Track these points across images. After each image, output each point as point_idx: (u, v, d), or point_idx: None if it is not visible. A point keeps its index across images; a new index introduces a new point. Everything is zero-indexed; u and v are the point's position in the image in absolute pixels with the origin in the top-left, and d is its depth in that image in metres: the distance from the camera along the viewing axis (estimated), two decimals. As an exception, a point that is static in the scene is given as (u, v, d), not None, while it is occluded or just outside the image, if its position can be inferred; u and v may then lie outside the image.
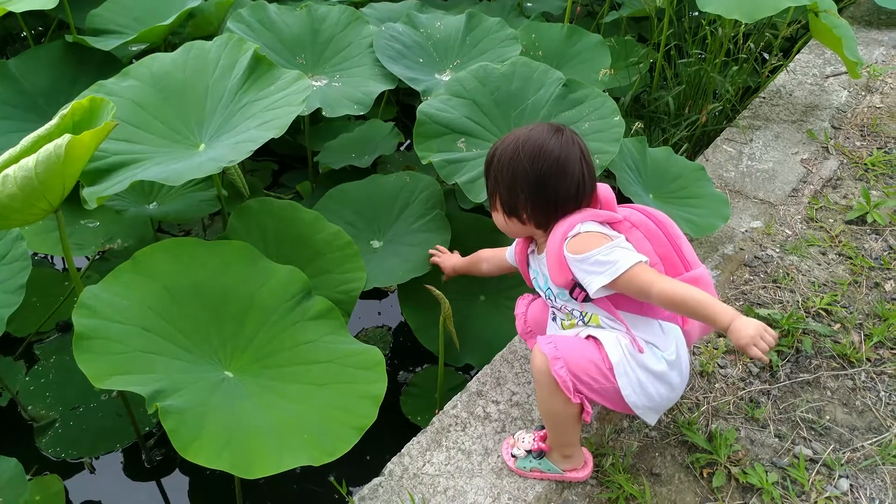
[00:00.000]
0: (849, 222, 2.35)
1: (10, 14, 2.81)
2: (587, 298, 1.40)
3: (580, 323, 1.46)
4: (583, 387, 1.36)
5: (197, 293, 1.71)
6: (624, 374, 1.37)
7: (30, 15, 3.20)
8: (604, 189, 1.47)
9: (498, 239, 2.35)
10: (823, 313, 2.00)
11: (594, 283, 1.34)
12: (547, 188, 1.40)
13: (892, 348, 1.88)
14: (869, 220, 2.34)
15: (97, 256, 2.33)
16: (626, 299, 1.40)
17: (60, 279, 2.49)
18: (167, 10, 2.72)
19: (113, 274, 1.65)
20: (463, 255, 2.04)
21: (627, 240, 1.41)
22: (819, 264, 2.19)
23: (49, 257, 2.71)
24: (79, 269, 2.33)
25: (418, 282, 2.07)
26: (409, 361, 2.39)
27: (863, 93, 3.14)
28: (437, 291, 1.76)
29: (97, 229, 2.24)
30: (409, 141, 3.20)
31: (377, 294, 2.65)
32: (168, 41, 2.86)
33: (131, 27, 2.71)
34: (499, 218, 1.49)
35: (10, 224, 1.66)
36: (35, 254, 2.62)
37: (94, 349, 1.48)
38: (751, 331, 1.23)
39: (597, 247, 1.34)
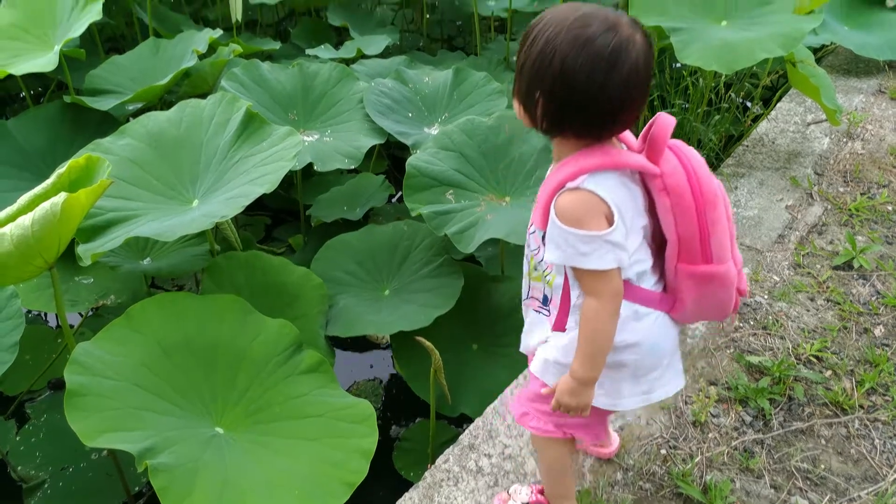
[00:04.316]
0: (836, 268, 2.38)
1: (9, 76, 2.88)
2: None
3: (545, 278, 1.30)
4: (561, 420, 1.34)
5: (189, 347, 1.72)
6: (557, 373, 1.28)
7: (29, 76, 3.27)
8: (663, 121, 1.16)
9: (496, 288, 2.38)
10: (814, 360, 2.01)
11: (550, 256, 1.18)
12: (573, 95, 1.09)
13: (884, 394, 1.89)
14: (855, 265, 2.37)
15: (90, 313, 2.34)
16: None
17: (53, 336, 2.49)
18: (163, 69, 2.79)
19: (106, 330, 1.66)
20: (460, 304, 2.05)
21: (648, 208, 1.19)
22: (808, 310, 2.21)
23: (42, 314, 2.71)
24: (72, 326, 2.34)
25: (413, 331, 2.08)
26: (402, 414, 2.38)
27: (844, 139, 3.21)
28: (427, 343, 1.77)
29: (91, 286, 2.26)
30: (399, 193, 3.24)
31: (368, 346, 2.65)
32: (164, 99, 2.92)
33: (128, 87, 2.78)
34: (515, 105, 1.21)
35: (5, 282, 1.68)
36: (28, 311, 2.62)
37: (86, 406, 1.48)
38: (565, 397, 1.22)
39: (581, 226, 1.13)
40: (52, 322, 2.68)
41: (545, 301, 1.31)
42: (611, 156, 1.14)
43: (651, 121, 1.17)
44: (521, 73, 1.15)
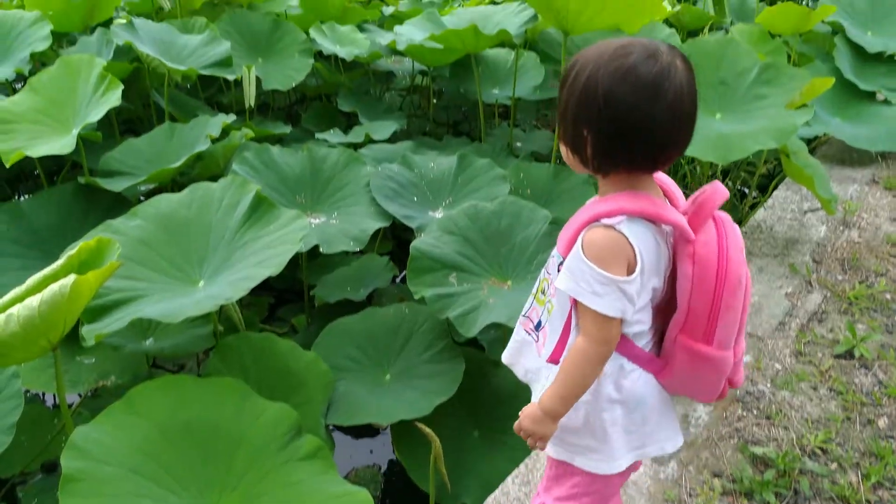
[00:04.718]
0: (837, 356, 2.38)
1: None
2: None
3: (546, 304, 1.29)
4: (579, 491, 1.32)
5: (188, 431, 1.71)
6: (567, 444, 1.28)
7: (45, 156, 3.38)
8: (716, 190, 1.16)
9: (497, 373, 2.36)
10: (819, 452, 1.98)
11: (561, 282, 1.16)
12: (620, 126, 1.08)
13: (890, 488, 1.85)
14: (857, 354, 2.36)
15: (89, 393, 2.33)
16: None
17: (49, 417, 2.46)
18: (177, 152, 2.88)
19: (105, 413, 1.65)
20: (461, 390, 2.04)
21: (667, 271, 1.18)
22: (811, 400, 2.19)
23: (40, 393, 2.69)
24: (70, 405, 2.32)
25: (413, 419, 2.06)
26: (402, 503, 2.33)
27: (841, 227, 3.26)
28: (427, 430, 1.76)
29: (92, 365, 2.26)
30: (404, 273, 3.28)
31: (369, 430, 2.62)
32: (176, 181, 3.00)
33: (142, 169, 2.86)
34: (562, 150, 1.21)
35: (6, 362, 1.69)
36: (27, 390, 2.61)
37: (82, 492, 1.47)
38: (526, 421, 1.22)
39: (603, 266, 1.11)
40: (49, 401, 2.66)
41: (538, 326, 1.31)
42: (655, 206, 1.12)
43: (704, 187, 1.17)
44: (566, 114, 1.14)
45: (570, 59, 1.16)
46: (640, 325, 1.22)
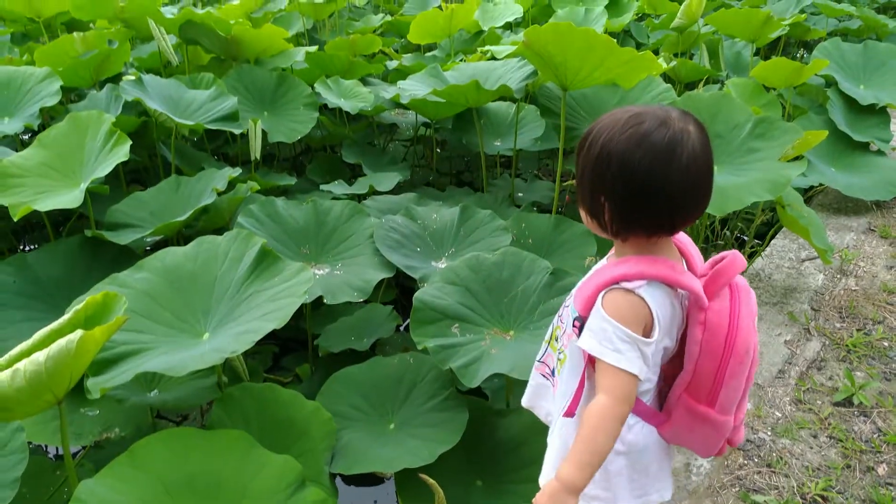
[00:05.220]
0: (836, 404, 2.39)
1: (35, 209, 3.03)
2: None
3: (559, 353, 1.33)
4: None
5: (191, 485, 1.71)
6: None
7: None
8: (734, 260, 1.20)
9: (501, 422, 2.37)
10: (820, 499, 1.98)
11: (584, 342, 1.19)
12: (637, 191, 1.12)
13: (894, 539, 1.85)
14: (855, 401, 2.38)
15: (92, 445, 2.33)
16: None
17: (52, 468, 2.46)
18: (183, 205, 2.94)
19: (109, 467, 1.66)
20: (465, 439, 2.03)
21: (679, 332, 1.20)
22: (811, 447, 2.19)
23: (43, 445, 2.69)
24: (73, 455, 2.32)
25: (416, 468, 2.06)
26: (404, 554, 2.31)
27: (838, 276, 3.30)
28: (431, 480, 1.76)
29: (96, 418, 2.26)
30: (407, 321, 3.30)
31: (373, 479, 2.61)
32: (182, 233, 3.05)
33: (148, 221, 2.91)
34: (582, 215, 1.25)
35: (12, 417, 1.71)
36: (30, 442, 2.61)
37: (84, 548, 1.47)
38: (543, 498, 1.20)
39: (624, 324, 1.14)
40: (52, 452, 2.66)
41: (553, 373, 1.34)
42: (673, 271, 1.16)
43: (724, 254, 1.21)
44: (583, 181, 1.18)
45: (585, 129, 1.21)
46: (648, 382, 1.25)
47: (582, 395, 1.26)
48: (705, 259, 1.30)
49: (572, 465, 1.18)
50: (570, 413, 1.28)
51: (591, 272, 1.27)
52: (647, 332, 1.17)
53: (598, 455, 1.18)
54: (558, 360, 1.32)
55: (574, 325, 1.25)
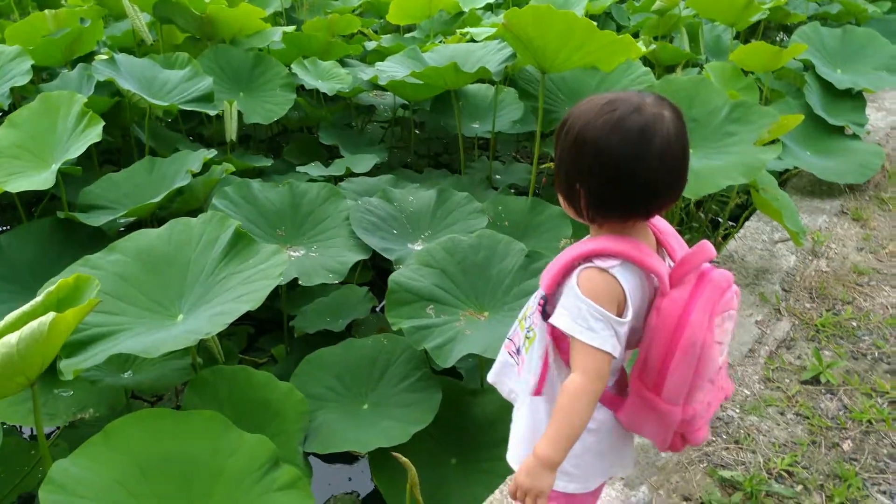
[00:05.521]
0: (804, 382, 2.44)
1: (6, 190, 2.99)
2: (546, 317, 1.25)
3: (527, 331, 1.33)
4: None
5: (166, 465, 1.72)
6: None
7: (26, 189, 3.39)
8: (700, 250, 1.20)
9: (475, 401, 2.40)
10: (785, 474, 2.03)
11: (558, 320, 1.19)
12: (611, 175, 1.13)
13: (855, 512, 1.91)
14: (823, 380, 2.43)
15: (67, 425, 2.32)
16: None
17: (27, 448, 2.45)
18: (157, 187, 2.91)
19: (83, 447, 1.67)
20: (439, 418, 2.05)
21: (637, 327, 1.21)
22: (778, 424, 2.25)
23: (17, 426, 2.68)
24: (48, 436, 2.32)
25: (390, 447, 2.09)
26: (380, 532, 2.34)
27: (810, 257, 3.35)
28: (403, 458, 1.78)
29: (70, 398, 2.26)
30: (383, 303, 3.31)
31: (347, 458, 2.63)
32: (155, 215, 3.03)
33: (122, 203, 2.89)
34: (560, 200, 1.25)
35: (-15, 398, 1.70)
36: (3, 423, 2.60)
37: (56, 527, 1.47)
38: (521, 476, 1.21)
39: (598, 303, 1.15)
40: (27, 432, 2.65)
41: (518, 351, 1.36)
42: (638, 251, 1.17)
43: (696, 245, 1.21)
44: (560, 167, 1.20)
45: (564, 113, 1.21)
46: (614, 361, 1.24)
47: (547, 373, 1.28)
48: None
49: (549, 441, 1.20)
50: (538, 392, 1.30)
51: (560, 253, 1.28)
52: (621, 312, 1.18)
53: (573, 431, 1.19)
54: (526, 337, 1.33)
55: (539, 304, 1.26)
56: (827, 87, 4.41)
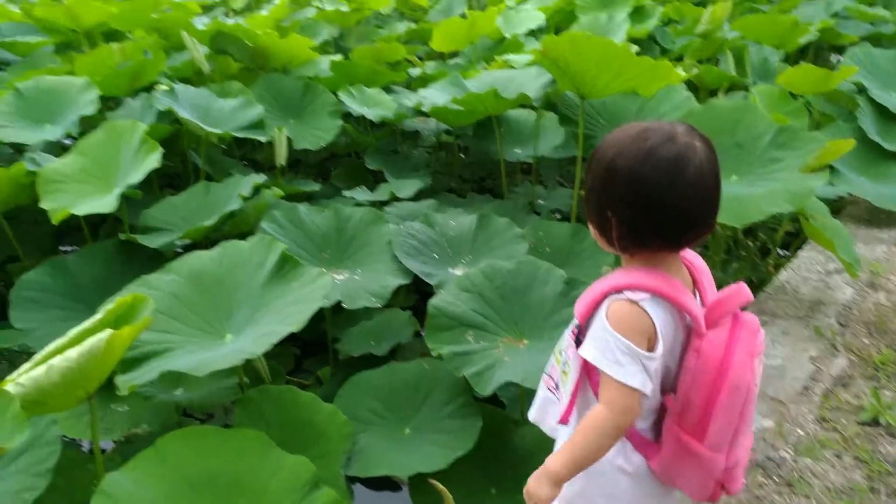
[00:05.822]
0: (862, 423, 2.35)
1: (72, 213, 3.13)
2: (579, 345, 1.24)
3: (563, 365, 1.32)
4: None
5: (212, 483, 1.77)
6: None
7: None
8: (737, 292, 1.19)
9: (516, 431, 2.38)
10: (839, 520, 1.96)
11: (586, 352, 1.19)
12: (643, 206, 1.13)
13: (910, 557, 1.83)
14: (882, 421, 2.33)
15: (123, 439, 2.41)
16: None
17: (84, 461, 2.53)
18: (211, 210, 3.02)
19: (135, 460, 1.74)
20: (480, 447, 2.05)
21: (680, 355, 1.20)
22: (834, 468, 2.16)
23: (77, 439, 2.79)
24: (104, 451, 2.41)
25: (430, 473, 2.10)
26: (418, 557, 2.34)
27: (868, 290, 3.24)
28: (440, 486, 1.80)
29: (125, 413, 2.35)
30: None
31: (390, 485, 2.65)
32: (209, 237, 3.14)
33: (178, 225, 3.01)
34: (591, 229, 1.26)
35: (47, 410, 1.79)
36: (65, 436, 2.70)
37: (107, 539, 1.53)
38: (532, 481, 1.22)
39: (626, 336, 1.13)
40: (85, 446, 2.75)
41: (557, 387, 1.35)
42: (673, 289, 1.15)
43: (732, 286, 1.20)
44: (591, 196, 1.20)
45: (598, 144, 1.21)
46: (646, 401, 1.22)
47: (575, 402, 1.28)
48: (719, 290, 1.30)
49: (560, 457, 1.21)
50: (563, 420, 1.30)
51: (595, 282, 1.29)
52: (651, 347, 1.16)
53: (586, 456, 1.19)
54: (563, 372, 1.32)
55: (572, 333, 1.26)
56: (881, 111, 4.28)
